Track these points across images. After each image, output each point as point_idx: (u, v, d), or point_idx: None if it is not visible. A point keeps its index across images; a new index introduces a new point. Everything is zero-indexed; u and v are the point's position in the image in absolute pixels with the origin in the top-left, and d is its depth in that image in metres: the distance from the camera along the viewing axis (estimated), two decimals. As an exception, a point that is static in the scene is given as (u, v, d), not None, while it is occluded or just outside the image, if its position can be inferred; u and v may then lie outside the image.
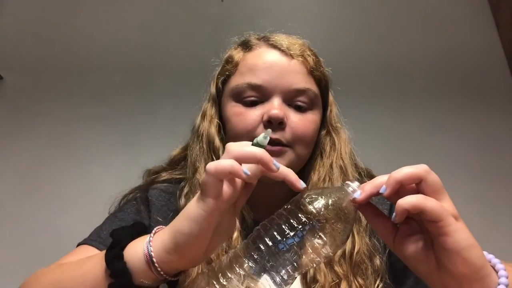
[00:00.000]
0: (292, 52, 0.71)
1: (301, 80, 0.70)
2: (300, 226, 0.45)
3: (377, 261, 0.68)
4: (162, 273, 0.47)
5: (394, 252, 0.48)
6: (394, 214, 0.44)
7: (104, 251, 0.50)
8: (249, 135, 0.67)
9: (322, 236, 0.45)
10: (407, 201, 0.42)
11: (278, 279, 0.45)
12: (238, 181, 0.46)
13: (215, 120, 0.73)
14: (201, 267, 0.60)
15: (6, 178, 1.70)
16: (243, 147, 0.46)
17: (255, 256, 0.45)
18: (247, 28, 0.80)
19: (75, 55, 1.93)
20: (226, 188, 0.45)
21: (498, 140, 1.89)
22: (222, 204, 0.45)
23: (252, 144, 0.49)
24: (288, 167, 0.48)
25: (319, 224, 0.45)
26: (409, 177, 0.44)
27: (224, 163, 0.44)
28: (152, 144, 1.61)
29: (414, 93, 1.98)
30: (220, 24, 1.97)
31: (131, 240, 0.50)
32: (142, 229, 0.57)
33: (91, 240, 0.67)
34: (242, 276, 0.45)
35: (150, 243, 0.48)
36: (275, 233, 0.45)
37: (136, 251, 0.48)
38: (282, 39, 0.73)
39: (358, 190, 0.47)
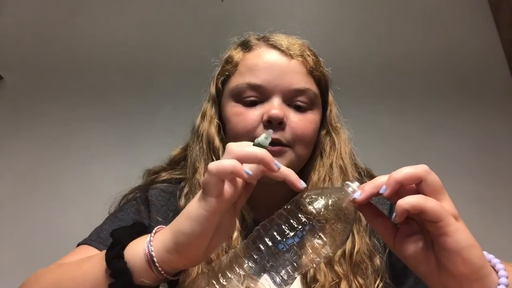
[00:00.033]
0: (291, 52, 0.71)
1: (300, 80, 0.70)
2: (300, 226, 0.45)
3: (377, 260, 0.68)
4: (162, 272, 0.47)
5: (394, 252, 0.48)
6: (394, 214, 0.44)
7: (104, 251, 0.50)
8: (249, 135, 0.67)
9: (322, 236, 0.45)
10: (407, 202, 0.42)
11: (278, 279, 0.45)
12: (239, 181, 0.47)
13: (215, 120, 0.73)
14: (201, 267, 0.60)
15: (6, 178, 1.70)
16: (244, 147, 0.46)
17: (255, 256, 0.45)
18: (247, 28, 0.80)
19: (75, 55, 1.93)
20: (227, 188, 0.45)
21: (498, 140, 1.89)
22: (223, 204, 0.45)
23: (254, 145, 0.49)
24: (288, 167, 0.48)
25: (319, 224, 0.45)
26: (409, 177, 0.44)
27: (225, 163, 0.44)
28: (152, 144, 1.61)
29: (414, 93, 1.98)
30: (220, 24, 1.97)
31: (131, 240, 0.50)
32: (142, 229, 0.57)
33: (91, 240, 0.67)
34: (242, 276, 0.45)
35: (151, 242, 0.48)
36: (275, 233, 0.45)
37: (137, 251, 0.48)
38: (282, 39, 0.73)
39: (358, 191, 0.47)
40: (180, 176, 0.77)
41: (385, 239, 0.49)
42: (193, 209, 0.45)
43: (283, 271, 0.45)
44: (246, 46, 0.75)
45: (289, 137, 0.67)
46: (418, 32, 2.08)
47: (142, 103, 1.87)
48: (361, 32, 2.07)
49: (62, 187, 1.70)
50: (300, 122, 0.68)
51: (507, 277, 0.43)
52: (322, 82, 0.75)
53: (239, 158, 0.45)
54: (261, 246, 0.45)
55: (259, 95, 0.69)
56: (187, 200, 0.68)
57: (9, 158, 1.73)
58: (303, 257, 0.45)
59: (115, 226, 0.66)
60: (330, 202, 0.46)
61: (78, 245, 0.68)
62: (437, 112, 1.94)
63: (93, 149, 1.78)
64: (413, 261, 0.46)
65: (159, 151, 0.82)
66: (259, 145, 0.50)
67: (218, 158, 0.69)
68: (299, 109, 0.70)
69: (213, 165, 0.44)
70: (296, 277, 0.47)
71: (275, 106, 0.67)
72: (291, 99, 0.69)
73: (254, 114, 0.68)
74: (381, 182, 0.45)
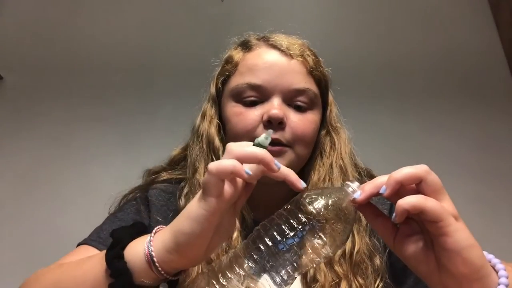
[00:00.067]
0: (291, 52, 0.71)
1: (300, 80, 0.70)
2: (300, 226, 0.45)
3: (377, 260, 0.68)
4: (162, 272, 0.47)
5: (394, 252, 0.48)
6: (394, 214, 0.44)
7: (104, 251, 0.50)
8: (249, 135, 0.67)
9: (322, 236, 0.45)
10: (407, 202, 0.42)
11: (278, 279, 0.45)
12: (239, 181, 0.47)
13: (215, 120, 0.73)
14: (201, 267, 0.60)
15: (6, 178, 1.70)
16: (244, 147, 0.46)
17: (255, 256, 0.45)
18: (247, 28, 0.80)
19: (75, 55, 1.93)
20: (227, 188, 0.45)
21: (498, 140, 1.89)
22: (224, 204, 0.45)
23: (254, 145, 0.49)
24: (288, 167, 0.48)
25: (319, 224, 0.45)
26: (409, 177, 0.44)
27: (226, 163, 0.44)
28: (152, 144, 1.61)
29: (414, 93, 1.98)
30: (220, 24, 1.97)
31: (131, 240, 0.50)
32: (142, 229, 0.57)
33: (91, 240, 0.67)
34: (242, 276, 0.45)
35: (151, 242, 0.48)
36: (275, 233, 0.45)
37: (137, 250, 0.48)
38: (282, 39, 0.73)
39: (358, 191, 0.47)
40: (180, 176, 0.77)
41: (385, 239, 0.49)
42: (193, 209, 0.45)
43: (283, 271, 0.45)
44: (246, 46, 0.75)
45: (289, 137, 0.67)
46: (418, 32, 2.08)
47: (142, 103, 1.88)
48: (361, 32, 2.07)
49: (62, 187, 1.70)
50: (300, 122, 0.68)
51: (507, 277, 0.43)
52: (322, 82, 0.75)
53: (239, 158, 0.45)
54: (261, 246, 0.45)
55: (259, 95, 0.69)
56: (187, 200, 0.68)
57: (9, 158, 1.73)
58: (303, 257, 0.45)
59: (115, 226, 0.66)
60: (330, 202, 0.46)
61: (78, 245, 0.68)
62: (437, 112, 1.94)
63: (93, 149, 1.78)
64: (413, 261, 0.46)
65: (159, 151, 0.82)
66: (259, 145, 0.50)
67: (218, 158, 0.69)
68: (299, 109, 0.70)
69: (213, 165, 0.44)
70: (296, 277, 0.47)
71: (275, 106, 0.67)
72: (291, 99, 0.69)
73: (254, 114, 0.68)
74: (381, 182, 0.45)
